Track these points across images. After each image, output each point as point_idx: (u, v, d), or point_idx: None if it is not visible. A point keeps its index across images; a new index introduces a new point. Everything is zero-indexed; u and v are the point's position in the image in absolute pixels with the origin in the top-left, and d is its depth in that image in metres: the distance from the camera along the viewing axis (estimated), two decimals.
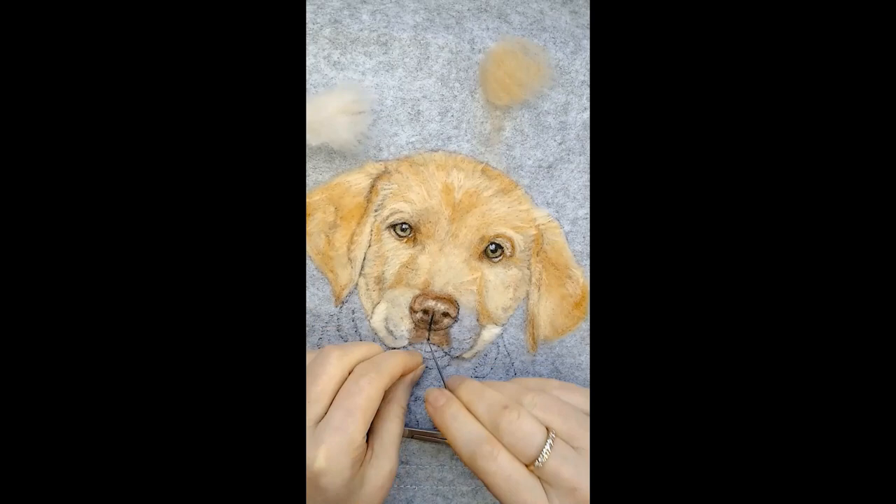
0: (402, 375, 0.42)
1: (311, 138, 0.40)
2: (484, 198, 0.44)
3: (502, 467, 0.35)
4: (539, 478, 0.35)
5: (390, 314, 0.44)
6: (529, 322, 0.46)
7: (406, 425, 0.46)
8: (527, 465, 0.36)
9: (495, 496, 0.36)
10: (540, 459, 0.35)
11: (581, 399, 0.39)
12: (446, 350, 0.45)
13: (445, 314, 0.43)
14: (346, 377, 0.38)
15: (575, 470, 0.35)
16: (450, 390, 0.41)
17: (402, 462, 0.47)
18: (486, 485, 0.37)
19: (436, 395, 0.40)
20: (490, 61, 0.42)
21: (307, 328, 0.45)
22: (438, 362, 0.45)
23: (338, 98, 0.40)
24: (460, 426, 0.38)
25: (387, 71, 0.42)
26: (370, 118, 0.41)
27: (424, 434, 0.45)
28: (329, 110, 0.40)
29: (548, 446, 0.35)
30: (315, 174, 0.43)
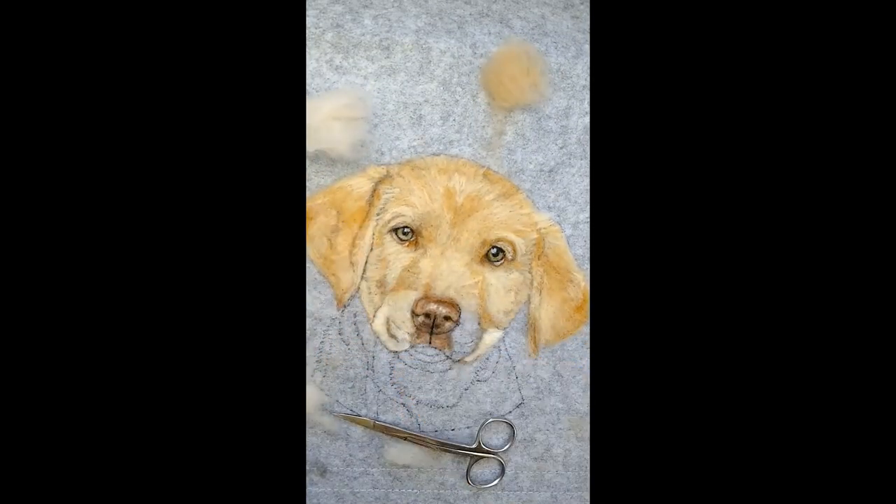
0: None
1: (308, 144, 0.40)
2: (485, 202, 0.44)
3: None
4: None
5: (392, 317, 0.44)
6: (531, 326, 0.46)
7: (395, 424, 0.46)
8: None
9: None
10: None
11: None
12: (448, 353, 0.45)
13: (447, 318, 0.43)
14: None
15: None
16: None
17: (403, 465, 0.47)
18: None
19: None
20: (492, 64, 0.42)
21: (309, 331, 0.45)
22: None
23: (330, 103, 0.40)
24: None
25: (389, 75, 0.42)
26: (366, 125, 0.42)
27: (390, 430, 0.45)
28: (321, 115, 0.39)
29: None
30: (317, 178, 0.43)
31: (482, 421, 0.46)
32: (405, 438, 0.46)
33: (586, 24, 0.44)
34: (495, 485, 0.47)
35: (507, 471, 0.47)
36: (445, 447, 0.46)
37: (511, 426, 0.47)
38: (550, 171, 0.44)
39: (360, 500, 0.47)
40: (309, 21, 0.41)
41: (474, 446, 0.46)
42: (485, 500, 0.48)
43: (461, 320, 0.44)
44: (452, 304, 0.43)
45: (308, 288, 0.44)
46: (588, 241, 0.45)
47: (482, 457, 0.47)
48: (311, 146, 0.40)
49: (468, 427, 0.47)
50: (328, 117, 0.40)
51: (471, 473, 0.47)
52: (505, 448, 0.47)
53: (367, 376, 0.46)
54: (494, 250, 0.44)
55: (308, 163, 0.42)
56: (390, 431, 0.46)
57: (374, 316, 0.45)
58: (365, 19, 0.42)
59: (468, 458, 0.47)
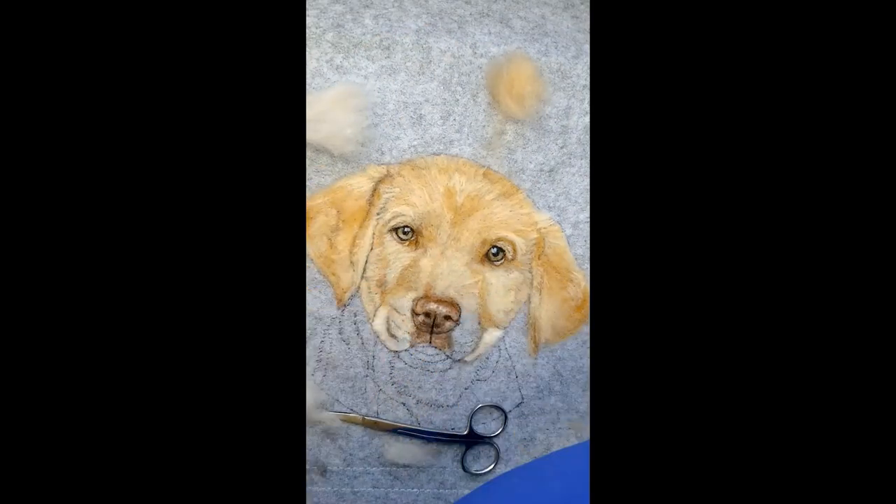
0: None
1: (309, 134, 0.40)
2: (485, 201, 0.44)
3: None
4: None
5: (392, 317, 0.44)
6: (531, 325, 0.46)
7: (396, 421, 0.46)
8: None
9: None
10: None
11: None
12: (448, 353, 0.45)
13: (447, 317, 0.43)
14: None
15: None
16: None
17: (403, 465, 0.47)
18: None
19: None
20: (504, 78, 0.42)
21: (309, 331, 0.45)
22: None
23: (334, 93, 0.40)
24: None
25: (389, 75, 0.42)
26: (369, 118, 0.42)
27: (378, 423, 0.46)
28: (325, 105, 0.40)
29: None
30: (317, 177, 0.43)
31: (472, 408, 0.46)
32: (394, 430, 0.46)
33: (586, 24, 0.44)
34: (491, 470, 0.47)
35: (507, 471, 0.47)
36: (436, 436, 0.46)
37: (502, 410, 0.47)
38: (550, 170, 0.44)
39: (361, 499, 0.47)
40: (309, 21, 0.41)
41: (466, 433, 0.46)
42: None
43: (461, 320, 0.44)
44: (452, 304, 0.43)
45: (308, 287, 0.44)
46: (588, 241, 0.45)
47: (475, 443, 0.47)
48: (315, 135, 0.40)
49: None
50: (332, 107, 0.40)
51: (465, 461, 0.47)
52: (497, 433, 0.47)
53: (367, 376, 0.46)
54: (495, 250, 0.45)
55: (308, 162, 0.42)
56: (379, 425, 0.46)
57: (374, 315, 0.45)
58: (365, 19, 0.42)
59: (462, 447, 0.47)
